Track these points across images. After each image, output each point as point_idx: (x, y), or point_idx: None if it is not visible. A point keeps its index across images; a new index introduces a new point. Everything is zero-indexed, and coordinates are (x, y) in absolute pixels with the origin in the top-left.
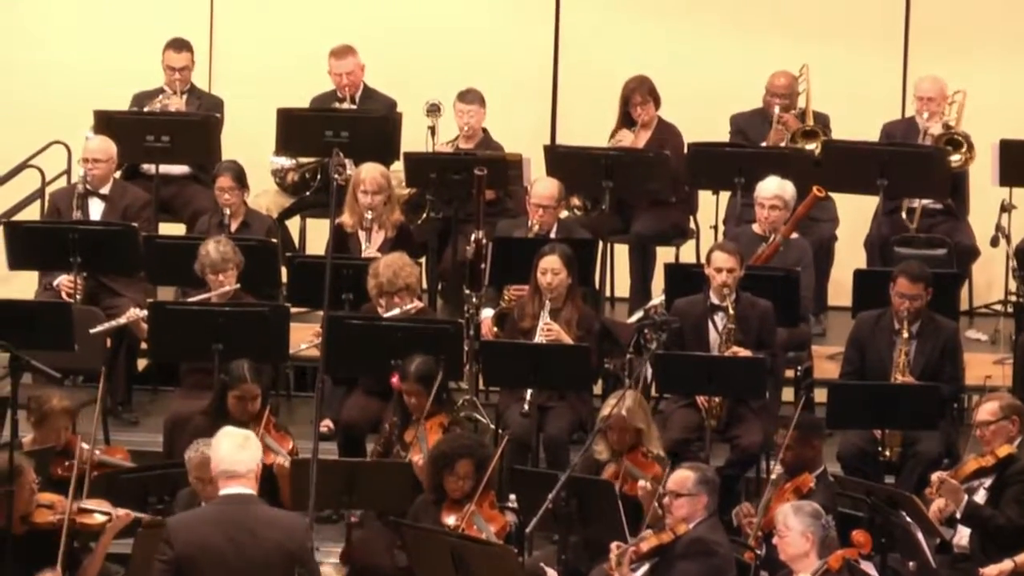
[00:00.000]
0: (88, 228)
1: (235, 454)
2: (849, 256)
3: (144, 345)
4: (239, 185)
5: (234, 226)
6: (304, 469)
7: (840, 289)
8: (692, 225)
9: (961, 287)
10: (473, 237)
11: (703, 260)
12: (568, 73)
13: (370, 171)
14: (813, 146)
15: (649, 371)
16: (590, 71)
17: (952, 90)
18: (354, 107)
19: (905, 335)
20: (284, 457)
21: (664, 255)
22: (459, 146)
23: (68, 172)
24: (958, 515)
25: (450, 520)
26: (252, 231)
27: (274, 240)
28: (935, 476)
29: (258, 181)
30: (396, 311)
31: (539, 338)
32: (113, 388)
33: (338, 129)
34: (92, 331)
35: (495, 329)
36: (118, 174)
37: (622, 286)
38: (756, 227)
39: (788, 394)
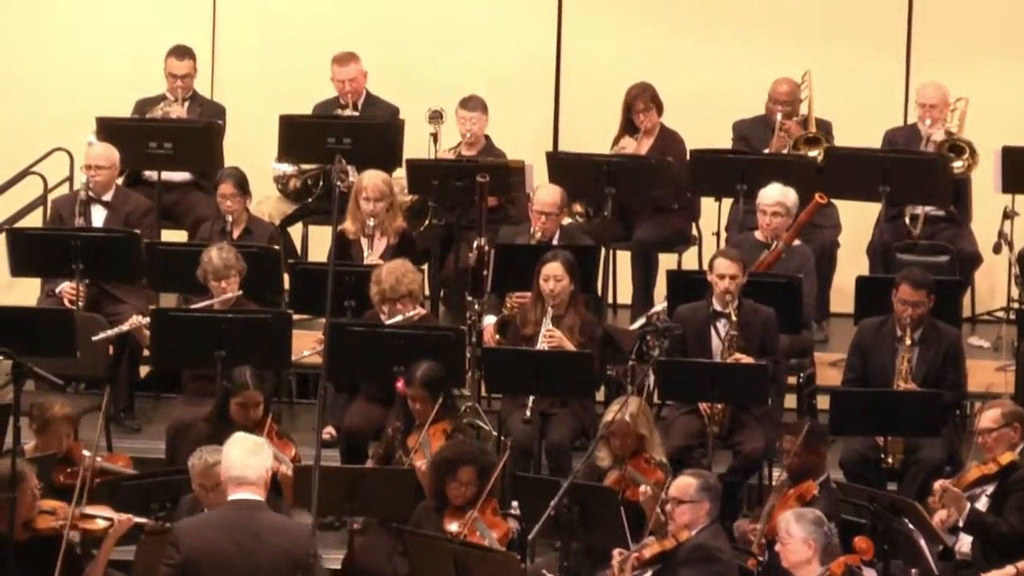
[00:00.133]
0: (90, 235)
1: (246, 460)
2: (851, 263)
3: (146, 352)
4: (241, 192)
5: (236, 233)
6: (306, 476)
7: (842, 296)
8: (694, 232)
9: (963, 294)
10: (475, 244)
11: (705, 267)
12: (570, 80)
13: (372, 178)
14: (815, 153)
15: (651, 378)
16: (592, 78)
17: (954, 97)
18: (356, 114)
19: (907, 342)
20: (286, 464)
21: (666, 262)
22: (461, 153)
23: (70, 179)
24: (961, 523)
25: (452, 527)
26: (254, 238)
27: (276, 247)
28: (938, 484)
29: (260, 188)
30: (398, 318)
31: (541, 345)
32: (115, 395)
33: (340, 136)
34: (94, 338)
35: (497, 336)
36: (120, 181)
37: (624, 293)
38: (758, 234)
39: (791, 401)
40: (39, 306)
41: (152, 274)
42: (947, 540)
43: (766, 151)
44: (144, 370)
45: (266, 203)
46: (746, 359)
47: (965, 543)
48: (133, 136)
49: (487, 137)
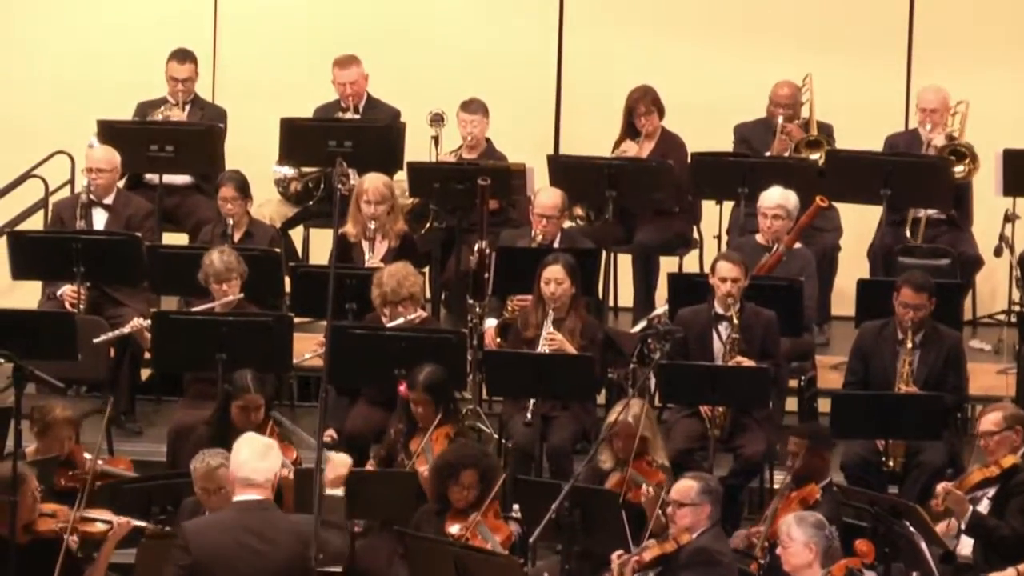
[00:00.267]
0: (91, 238)
1: (255, 462)
2: (852, 266)
3: (147, 355)
4: (242, 195)
5: (237, 236)
6: (307, 479)
7: (843, 299)
8: (695, 235)
9: (964, 297)
10: (476, 247)
11: (707, 270)
12: (571, 83)
13: (373, 181)
14: (817, 156)
15: (653, 381)
16: (593, 81)
17: (955, 100)
18: (357, 117)
19: (909, 345)
20: (288, 467)
21: (667, 265)
22: (462, 156)
23: (71, 182)
24: (962, 526)
25: (454, 529)
26: (255, 241)
27: (277, 250)
28: (940, 487)
29: (261, 191)
30: (400, 320)
31: (542, 348)
32: (116, 398)
33: (341, 139)
34: (96, 341)
35: (498, 339)
36: (121, 184)
37: (625, 296)
38: (759, 237)
39: (791, 404)
40: (40, 309)
41: (153, 277)
42: (948, 543)
43: (767, 154)
44: (145, 373)
45: (267, 206)
46: (747, 362)
47: (966, 546)
48: (134, 139)
49: (488, 140)
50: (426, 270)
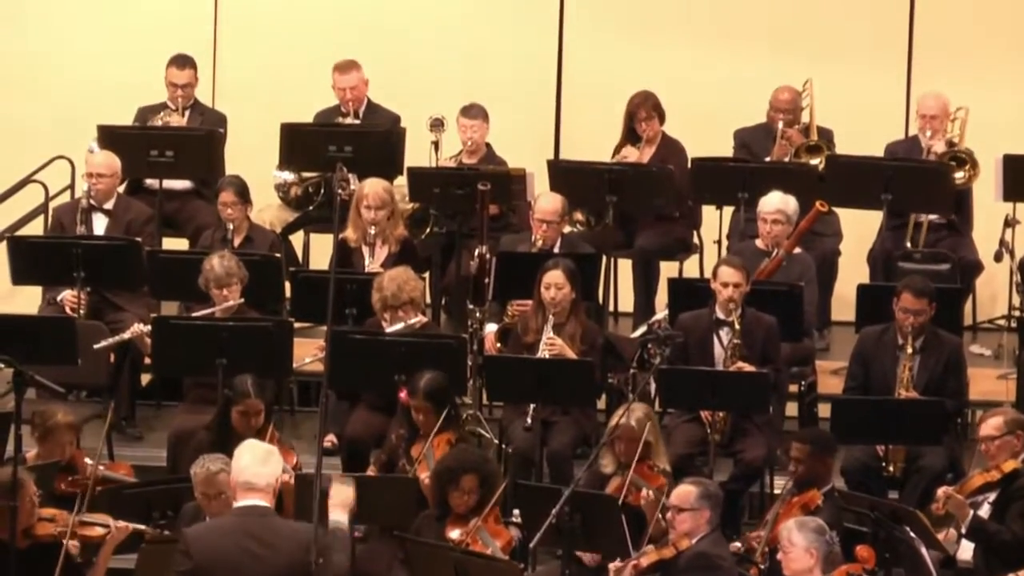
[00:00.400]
0: (92, 243)
1: (256, 467)
2: (853, 271)
3: (148, 360)
4: (242, 200)
5: (237, 241)
6: (307, 484)
7: (844, 304)
8: (695, 240)
9: (965, 302)
10: (476, 252)
11: (707, 275)
12: (571, 88)
13: (373, 186)
14: (817, 161)
15: (653, 386)
16: (593, 86)
17: (955, 106)
18: (358, 122)
19: (909, 350)
20: (288, 472)
21: (667, 270)
22: (462, 161)
23: (71, 187)
24: (963, 530)
25: (454, 534)
26: (255, 246)
27: (277, 255)
28: (941, 491)
29: (261, 196)
30: (400, 325)
31: (542, 353)
32: (117, 403)
33: (341, 144)
34: (96, 346)
35: (498, 344)
36: (121, 189)
37: (626, 301)
38: (759, 242)
39: (792, 409)
40: (40, 314)
41: (153, 282)
42: (948, 549)
43: (767, 159)
44: (145, 378)
45: (267, 211)
46: (748, 368)
47: (966, 551)
48: (134, 144)
49: (488, 145)
50: (426, 275)
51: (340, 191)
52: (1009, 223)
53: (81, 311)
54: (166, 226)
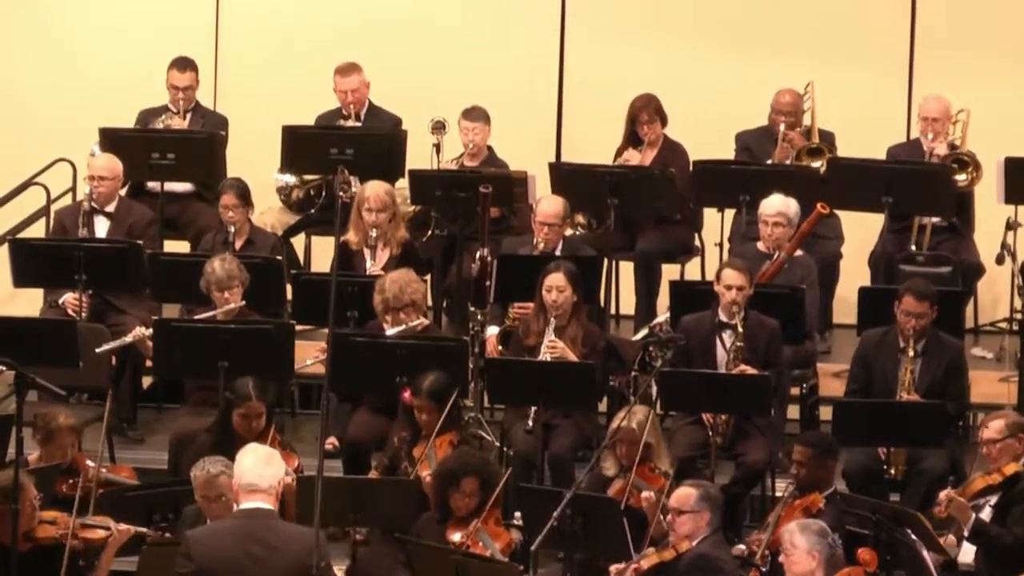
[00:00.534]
0: (93, 245)
1: (259, 469)
2: (854, 273)
3: (149, 363)
4: (243, 203)
5: (239, 244)
6: (309, 487)
7: (845, 307)
8: (697, 242)
9: (966, 305)
10: (478, 254)
11: (708, 277)
12: (573, 91)
13: (375, 188)
14: (818, 164)
15: (654, 389)
16: (595, 89)
17: (956, 109)
18: (359, 124)
19: (911, 353)
20: (289, 475)
21: (669, 272)
22: (464, 163)
23: (73, 189)
24: (965, 533)
25: (455, 537)
26: (257, 248)
27: (279, 257)
28: (943, 494)
29: (263, 199)
30: (401, 327)
31: (544, 356)
32: (118, 406)
33: (343, 147)
34: (98, 350)
35: (500, 347)
36: (123, 192)
37: (627, 303)
38: (760, 244)
39: (793, 412)
40: (42, 317)
41: (155, 285)
42: (950, 551)
43: (769, 162)
44: (147, 381)
45: (268, 214)
46: (751, 371)
47: (968, 553)
48: (136, 147)
49: (490, 148)
50: (428, 278)
51: (341, 194)
52: (1011, 226)
53: (82, 314)
54: (168, 229)
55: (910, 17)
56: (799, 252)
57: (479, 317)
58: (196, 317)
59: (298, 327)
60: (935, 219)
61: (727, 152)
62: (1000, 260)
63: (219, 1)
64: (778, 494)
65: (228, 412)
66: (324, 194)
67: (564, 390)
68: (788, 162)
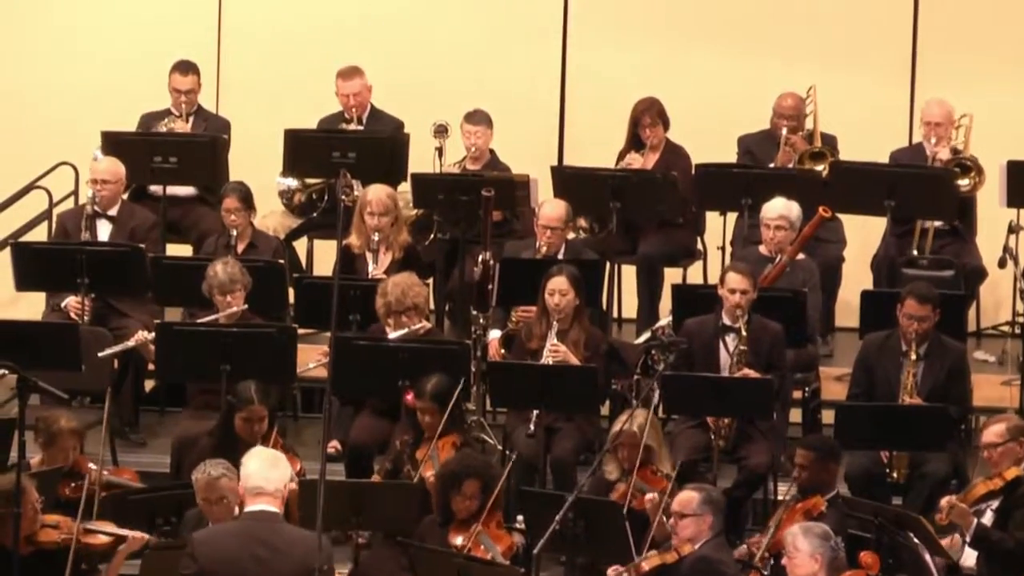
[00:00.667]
0: (96, 249)
1: (265, 472)
2: (856, 277)
3: (151, 366)
4: (246, 206)
5: (241, 247)
6: (311, 490)
7: (847, 310)
8: (699, 246)
9: (969, 308)
10: (480, 258)
11: (711, 281)
12: (575, 94)
13: (377, 192)
14: (821, 167)
15: (656, 392)
16: (597, 92)
17: (959, 113)
18: (361, 128)
19: (913, 356)
20: (292, 478)
21: (671, 276)
22: (466, 167)
23: (75, 193)
24: (967, 538)
25: (457, 540)
26: (259, 252)
27: (281, 261)
28: (944, 501)
29: (265, 202)
30: (404, 331)
31: (546, 359)
32: (120, 409)
33: (345, 150)
34: (101, 355)
35: (502, 350)
36: (125, 195)
37: (629, 307)
38: (762, 248)
39: (795, 415)
40: (44, 320)
41: (157, 288)
42: (952, 555)
43: (771, 165)
44: (149, 384)
45: (271, 217)
46: (754, 374)
47: (970, 558)
48: (138, 150)
49: (492, 151)
50: (430, 281)
51: (344, 197)
52: (1013, 229)
53: (85, 317)
54: (170, 232)
55: (912, 21)
56: (801, 256)
57: (481, 321)
58: (198, 321)
59: (300, 331)
60: (935, 222)
61: (729, 156)
62: (1002, 263)
63: (221, 5)
64: (780, 498)
65: (230, 416)
66: (326, 198)
67: (566, 393)
68: (790, 166)
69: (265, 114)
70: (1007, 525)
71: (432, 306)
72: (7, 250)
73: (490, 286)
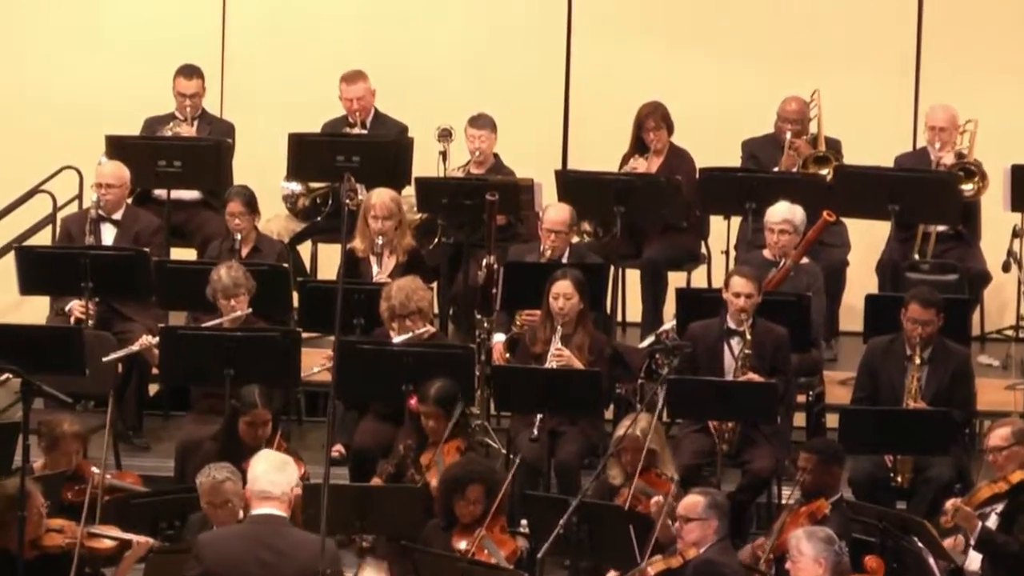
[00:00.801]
0: (100, 253)
1: (272, 475)
2: (860, 281)
3: (155, 370)
4: (250, 210)
5: (245, 251)
6: (315, 494)
7: (851, 314)
8: (703, 250)
9: (973, 312)
10: (484, 262)
11: (715, 285)
12: (579, 98)
13: (381, 196)
14: (825, 171)
15: (661, 396)
16: (601, 96)
17: (964, 118)
18: (365, 132)
19: (917, 361)
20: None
21: (675, 280)
22: (470, 171)
23: (80, 197)
24: (972, 542)
25: (461, 545)
26: (263, 256)
27: (285, 265)
28: (949, 504)
29: (269, 206)
30: (408, 335)
31: (550, 363)
32: (124, 413)
33: (349, 154)
34: (105, 359)
35: (507, 354)
36: (130, 199)
37: (634, 311)
38: (766, 252)
39: (799, 419)
40: (48, 324)
41: (161, 292)
42: (956, 559)
43: (775, 169)
44: (153, 388)
45: (275, 221)
46: (758, 378)
47: (974, 561)
48: (142, 154)
49: (496, 155)
50: (434, 285)
51: (348, 201)
52: (1017, 233)
53: (89, 321)
54: (174, 236)
55: (916, 25)
56: (805, 260)
57: (485, 324)
58: (202, 325)
59: (304, 335)
60: (939, 227)
61: (733, 160)
62: (1006, 267)
63: (226, 9)
64: (784, 501)
65: (234, 420)
66: (330, 202)
67: (570, 398)
68: (794, 170)
69: (269, 118)
70: (1012, 528)
71: (436, 310)
72: (11, 254)
73: (494, 290)
